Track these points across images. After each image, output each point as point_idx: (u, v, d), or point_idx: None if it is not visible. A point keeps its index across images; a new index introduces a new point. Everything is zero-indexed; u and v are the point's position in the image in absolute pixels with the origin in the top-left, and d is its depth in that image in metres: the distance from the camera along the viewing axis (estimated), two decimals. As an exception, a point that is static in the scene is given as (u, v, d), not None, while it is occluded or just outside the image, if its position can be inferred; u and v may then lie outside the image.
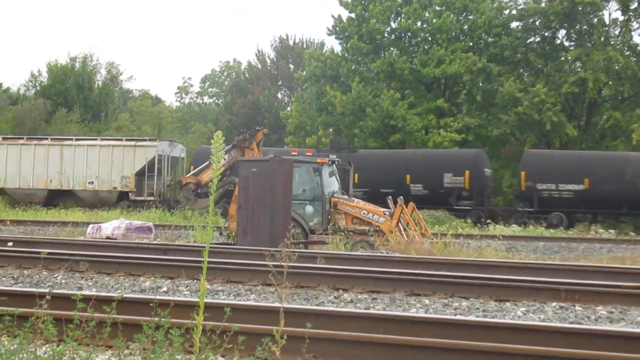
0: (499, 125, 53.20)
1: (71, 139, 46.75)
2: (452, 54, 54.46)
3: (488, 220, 38.17)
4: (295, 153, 28.76)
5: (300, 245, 22.79)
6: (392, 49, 58.62)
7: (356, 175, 41.95)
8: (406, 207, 24.02)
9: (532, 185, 40.04)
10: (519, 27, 55.63)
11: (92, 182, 44.34)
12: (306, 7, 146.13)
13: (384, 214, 24.33)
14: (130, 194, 43.82)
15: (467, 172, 41.24)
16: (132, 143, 44.92)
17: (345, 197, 25.60)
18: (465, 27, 56.73)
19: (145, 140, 46.16)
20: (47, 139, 46.92)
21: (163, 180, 44.40)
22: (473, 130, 53.94)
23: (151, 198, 42.92)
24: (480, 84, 55.75)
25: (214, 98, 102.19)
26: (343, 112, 55.70)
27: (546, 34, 54.92)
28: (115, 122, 75.78)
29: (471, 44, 56.63)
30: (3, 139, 47.33)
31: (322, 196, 25.06)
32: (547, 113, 49.76)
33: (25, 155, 45.35)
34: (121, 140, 46.12)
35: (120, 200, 43.59)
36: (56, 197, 45.08)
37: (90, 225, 27.32)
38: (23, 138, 47.53)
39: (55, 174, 44.88)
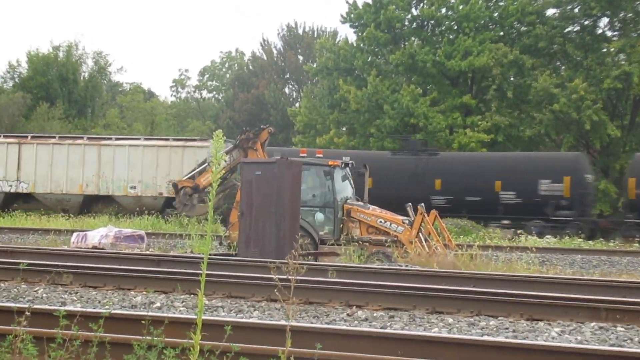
0: (532, 125, 53.16)
1: (110, 138, 46.38)
2: (480, 44, 54.46)
3: (519, 232, 38.06)
4: (305, 154, 28.77)
5: (310, 256, 22.82)
6: (413, 38, 58.66)
7: (438, 181, 41.65)
8: (428, 215, 24.05)
9: None
10: (556, 14, 55.61)
11: (135, 187, 43.90)
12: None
13: (403, 223, 24.36)
14: None
15: (566, 178, 40.55)
16: (181, 143, 44.50)
17: (360, 203, 25.62)
18: (496, 14, 56.77)
19: (195, 140, 45.87)
20: (82, 137, 46.49)
21: None
22: (503, 130, 53.94)
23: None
24: (512, 79, 55.75)
25: (214, 92, 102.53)
26: (358, 109, 55.76)
27: (586, 22, 54.87)
28: (103, 119, 75.98)
29: (502, 33, 56.63)
30: (32, 137, 46.78)
31: (334, 202, 25.09)
32: (586, 111, 49.69)
33: (57, 156, 44.70)
34: (168, 139, 45.90)
35: (167, 208, 42.96)
36: (93, 204, 44.27)
37: (75, 234, 27.36)
38: (55, 137, 47.15)
39: (92, 177, 44.22)
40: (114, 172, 43.90)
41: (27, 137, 46.88)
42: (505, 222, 40.23)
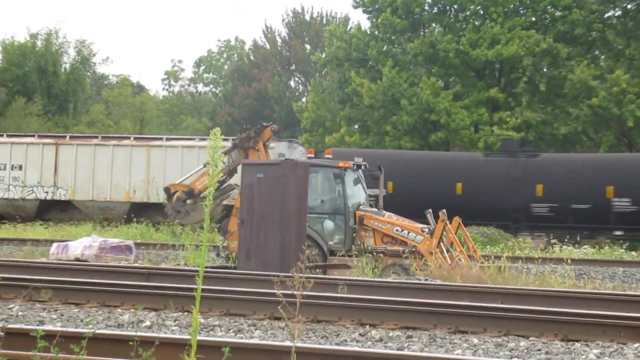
0: (567, 122, 53.13)
1: (161, 139, 45.84)
2: (509, 31, 54.42)
3: (553, 241, 37.88)
4: (312, 155, 28.79)
5: (318, 269, 22.83)
6: (433, 25, 58.68)
7: (539, 186, 40.89)
8: (450, 223, 24.04)
9: None
10: (595, -3, 55.63)
11: None
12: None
13: (422, 232, 24.34)
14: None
15: None
16: None
17: (374, 210, 25.61)
18: (527, -3, 56.80)
19: None
20: (129, 138, 46.05)
21: None
22: (535, 127, 53.92)
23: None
24: (545, 70, 55.70)
25: (211, 86, 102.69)
26: (372, 104, 55.76)
27: (629, 6, 54.85)
28: (86, 116, 76.12)
29: (534, 19, 56.66)
30: (71, 137, 46.31)
31: (344, 209, 25.07)
32: (629, 106, 49.66)
33: (100, 158, 44.26)
34: (227, 140, 45.82)
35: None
36: (141, 212, 43.76)
37: (55, 244, 27.41)
38: (97, 137, 46.77)
39: (140, 182, 43.80)
40: (166, 176, 43.02)
41: (65, 137, 46.49)
42: (618, 233, 39.19)
